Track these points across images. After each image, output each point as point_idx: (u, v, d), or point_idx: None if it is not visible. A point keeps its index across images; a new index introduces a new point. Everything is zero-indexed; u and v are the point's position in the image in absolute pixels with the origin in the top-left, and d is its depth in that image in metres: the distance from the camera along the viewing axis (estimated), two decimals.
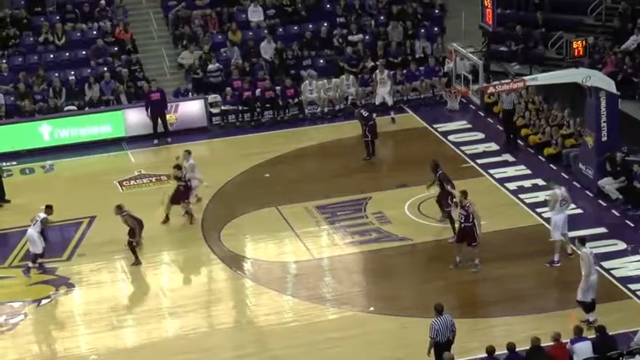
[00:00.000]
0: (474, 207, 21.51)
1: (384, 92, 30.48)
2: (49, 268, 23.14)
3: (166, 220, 24.72)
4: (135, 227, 23.02)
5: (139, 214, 24.34)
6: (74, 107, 30.78)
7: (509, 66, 32.25)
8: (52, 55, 32.43)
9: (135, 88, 31.48)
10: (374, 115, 30.00)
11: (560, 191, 22.32)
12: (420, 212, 24.73)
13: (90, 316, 21.33)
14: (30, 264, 22.92)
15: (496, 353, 17.40)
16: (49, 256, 23.47)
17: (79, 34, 33.16)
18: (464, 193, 21.84)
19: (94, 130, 30.04)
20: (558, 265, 22.05)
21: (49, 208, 23.22)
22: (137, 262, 23.11)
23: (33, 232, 22.83)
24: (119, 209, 23.07)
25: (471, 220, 21.47)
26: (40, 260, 23.03)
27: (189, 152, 25.32)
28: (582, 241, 19.87)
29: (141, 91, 31.32)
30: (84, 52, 32.54)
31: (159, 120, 29.74)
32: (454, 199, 22.89)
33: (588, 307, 19.56)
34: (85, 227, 24.85)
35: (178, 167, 24.65)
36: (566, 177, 26.13)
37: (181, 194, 24.59)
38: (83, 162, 29.02)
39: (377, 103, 30.68)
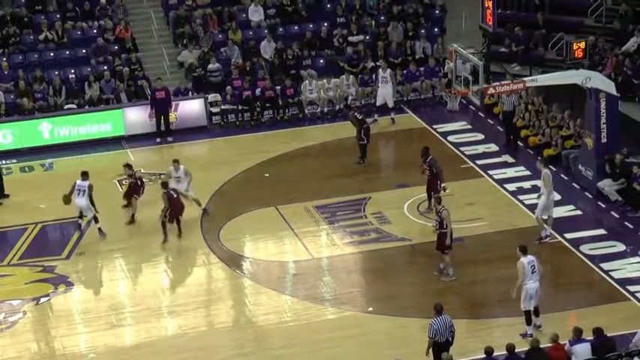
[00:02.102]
0: (446, 214, 21.40)
1: (384, 93, 30.44)
2: (48, 266, 23.15)
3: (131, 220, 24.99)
4: (166, 207, 23.56)
5: (136, 213, 24.75)
6: (74, 106, 30.79)
7: (509, 67, 32.26)
8: (52, 54, 32.43)
9: (135, 87, 31.48)
10: (375, 116, 30.11)
11: (547, 173, 22.69)
12: (419, 212, 24.74)
13: (89, 315, 21.33)
14: (98, 227, 24.17)
15: (496, 354, 17.42)
16: (47, 254, 23.53)
17: (79, 33, 33.16)
18: (438, 199, 21.87)
19: (93, 129, 30.05)
20: (546, 241, 22.72)
21: (85, 174, 24.10)
22: (165, 240, 23.73)
23: (82, 201, 23.84)
24: (164, 186, 23.77)
25: (445, 226, 21.43)
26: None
27: (177, 161, 24.97)
28: (523, 249, 19.55)
29: (141, 89, 31.34)
30: (84, 51, 32.55)
31: (162, 118, 29.79)
32: (443, 185, 23.54)
33: (528, 317, 19.49)
34: (84, 226, 24.82)
35: (129, 166, 25.37)
36: (566, 178, 26.15)
37: (133, 190, 25.09)
38: (83, 160, 28.98)
39: (378, 104, 30.68)
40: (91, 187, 23.89)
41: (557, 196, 23.62)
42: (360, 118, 27.71)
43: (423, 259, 22.75)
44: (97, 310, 21.45)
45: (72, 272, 22.89)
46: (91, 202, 23.99)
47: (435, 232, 21.83)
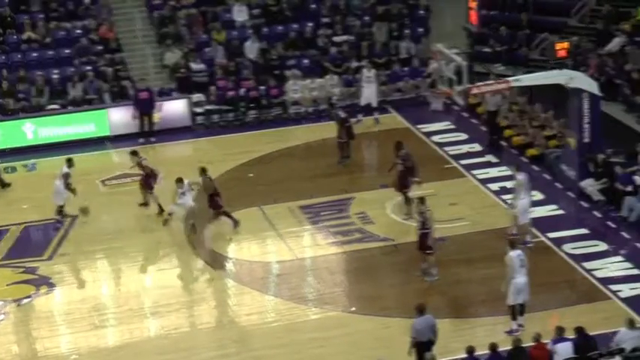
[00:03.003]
0: (430, 214, 21.41)
1: (369, 93, 30.47)
2: (29, 267, 23.06)
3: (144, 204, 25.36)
4: (216, 192, 24.21)
5: (119, 213, 24.70)
6: (57, 106, 30.65)
7: (493, 67, 32.30)
8: (35, 54, 32.28)
9: (119, 87, 31.39)
10: (359, 116, 30.11)
11: (523, 177, 22.89)
12: (402, 213, 24.73)
13: (71, 316, 21.26)
14: (57, 216, 24.70)
15: (479, 353, 17.43)
16: (29, 255, 23.45)
17: (63, 33, 33.02)
18: (422, 200, 21.81)
19: (77, 129, 29.95)
20: (531, 245, 22.56)
21: (69, 161, 24.94)
22: (236, 225, 24.18)
23: (58, 183, 24.65)
24: (204, 172, 24.29)
25: (427, 226, 21.44)
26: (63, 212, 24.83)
27: (181, 180, 24.40)
28: (512, 244, 19.73)
29: (125, 90, 31.24)
30: (67, 51, 32.42)
31: (145, 119, 29.71)
32: (416, 179, 23.86)
33: (514, 312, 19.58)
34: (67, 227, 24.76)
35: (134, 153, 25.52)
36: (549, 178, 26.20)
37: (145, 184, 25.17)
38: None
39: (362, 104, 30.69)
40: (66, 175, 24.54)
41: (540, 196, 23.65)
42: (343, 116, 27.71)
43: (406, 258, 22.73)
44: (80, 311, 21.37)
45: (54, 273, 22.79)
46: (69, 189, 24.70)
47: (417, 232, 21.83)
